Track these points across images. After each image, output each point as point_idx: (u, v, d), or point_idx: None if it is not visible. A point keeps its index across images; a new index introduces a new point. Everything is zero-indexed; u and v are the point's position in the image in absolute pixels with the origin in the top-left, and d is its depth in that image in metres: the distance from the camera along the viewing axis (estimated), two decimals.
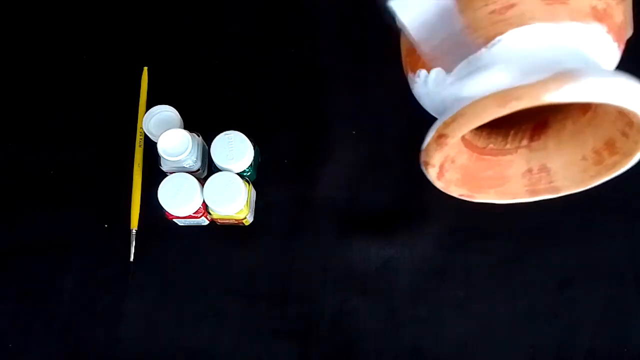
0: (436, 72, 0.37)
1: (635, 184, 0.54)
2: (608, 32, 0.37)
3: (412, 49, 0.38)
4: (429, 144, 0.36)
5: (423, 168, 0.41)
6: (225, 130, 0.51)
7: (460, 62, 0.35)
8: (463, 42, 0.34)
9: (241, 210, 0.50)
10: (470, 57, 0.35)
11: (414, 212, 0.54)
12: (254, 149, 0.52)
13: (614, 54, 0.39)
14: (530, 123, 0.45)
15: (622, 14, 0.38)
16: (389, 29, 0.39)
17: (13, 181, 0.56)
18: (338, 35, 0.59)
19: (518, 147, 0.45)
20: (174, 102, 0.53)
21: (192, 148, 0.50)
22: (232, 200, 0.49)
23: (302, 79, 0.58)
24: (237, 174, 0.50)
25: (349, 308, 0.52)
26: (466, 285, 0.52)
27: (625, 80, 0.33)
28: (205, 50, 0.59)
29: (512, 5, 0.33)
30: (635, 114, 0.34)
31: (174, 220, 0.52)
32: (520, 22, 0.33)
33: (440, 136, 0.35)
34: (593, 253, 0.52)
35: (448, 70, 0.36)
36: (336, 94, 0.57)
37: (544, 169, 0.44)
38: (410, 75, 0.41)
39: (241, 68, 0.59)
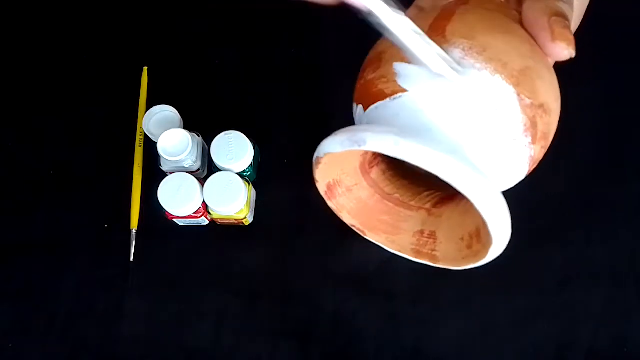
0: (359, 107, 0.41)
1: (635, 184, 0.54)
2: None
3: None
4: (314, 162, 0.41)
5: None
6: (225, 130, 0.51)
7: (372, 105, 0.39)
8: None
9: (241, 210, 0.50)
10: (378, 104, 0.38)
11: None
12: (254, 149, 0.52)
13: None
14: (444, 193, 0.46)
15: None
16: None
17: (13, 181, 0.56)
18: (338, 35, 0.59)
19: (420, 208, 0.47)
20: (174, 102, 0.53)
21: (192, 148, 0.50)
22: (232, 200, 0.49)
23: (302, 79, 0.58)
24: (237, 174, 0.50)
25: (349, 308, 0.52)
26: (466, 285, 0.52)
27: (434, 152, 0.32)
28: (205, 50, 0.59)
29: None
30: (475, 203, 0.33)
31: (174, 220, 0.52)
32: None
33: (317, 158, 0.40)
34: (593, 253, 0.52)
35: (365, 108, 0.40)
36: (336, 94, 0.57)
37: (432, 235, 0.46)
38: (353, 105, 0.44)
39: (241, 68, 0.59)
